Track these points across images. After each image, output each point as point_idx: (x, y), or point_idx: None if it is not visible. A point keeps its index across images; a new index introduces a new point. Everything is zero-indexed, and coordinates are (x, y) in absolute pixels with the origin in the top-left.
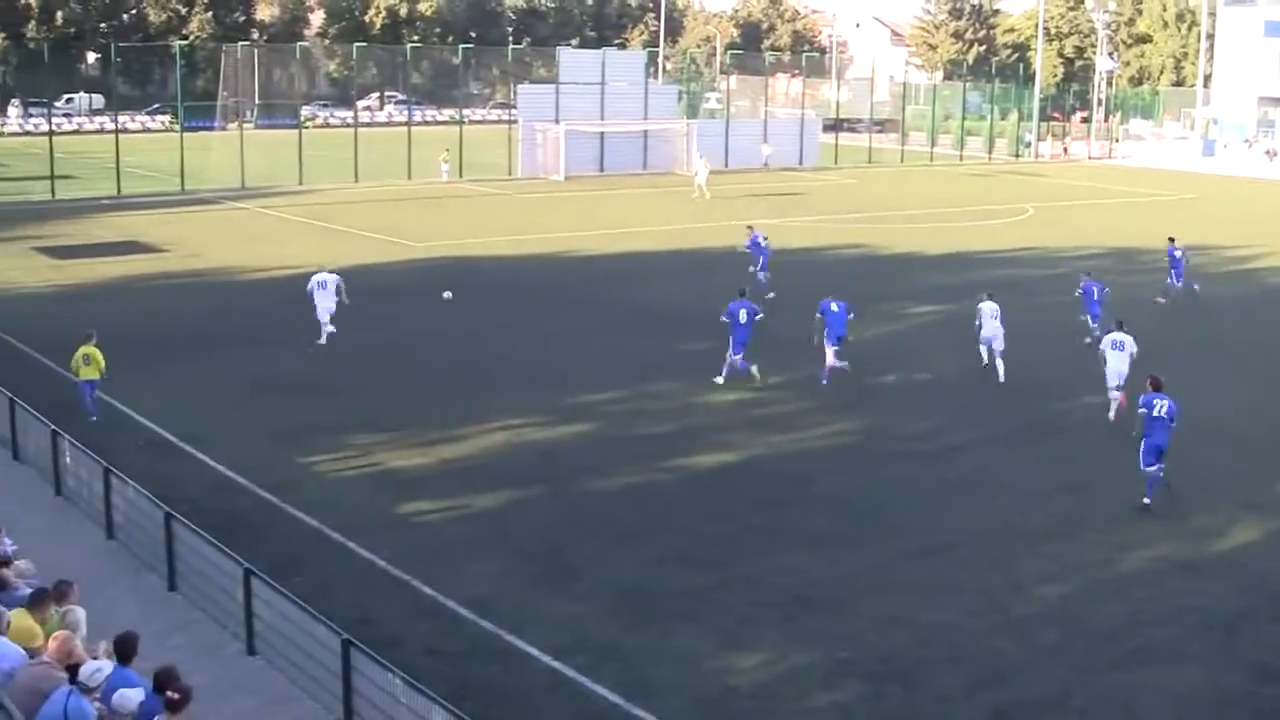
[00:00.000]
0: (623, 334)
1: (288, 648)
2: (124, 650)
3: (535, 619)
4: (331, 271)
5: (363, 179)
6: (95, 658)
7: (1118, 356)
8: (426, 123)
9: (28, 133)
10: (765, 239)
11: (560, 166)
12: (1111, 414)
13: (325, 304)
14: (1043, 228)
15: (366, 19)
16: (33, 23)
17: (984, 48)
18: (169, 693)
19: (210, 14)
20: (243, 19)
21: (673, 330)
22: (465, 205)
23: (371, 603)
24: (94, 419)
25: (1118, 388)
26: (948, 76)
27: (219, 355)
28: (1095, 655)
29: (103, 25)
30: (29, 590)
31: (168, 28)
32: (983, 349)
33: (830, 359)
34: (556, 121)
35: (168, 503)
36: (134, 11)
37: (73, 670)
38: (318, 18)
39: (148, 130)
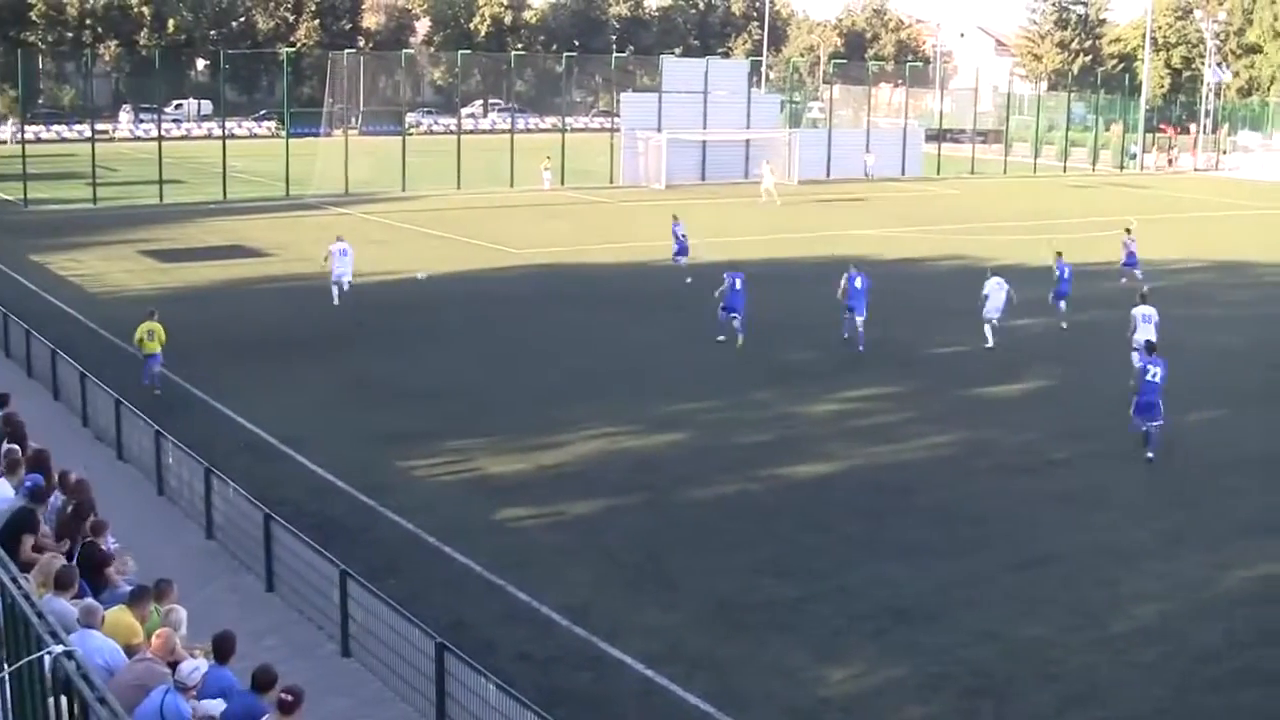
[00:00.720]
0: (717, 344)
1: (382, 650)
2: (222, 650)
3: (628, 627)
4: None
5: (465, 186)
6: (194, 656)
7: (1146, 328)
8: (529, 130)
9: (138, 138)
10: (683, 231)
11: (661, 175)
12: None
13: (341, 269)
14: (1148, 240)
15: (471, 26)
16: (145, 30)
17: (1089, 58)
18: (282, 694)
19: (317, 21)
20: (349, 26)
21: (770, 339)
22: (567, 212)
23: (465, 607)
24: (157, 391)
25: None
26: (1052, 87)
27: (319, 359)
28: (1194, 675)
29: (212, 32)
30: (129, 588)
31: (275, 35)
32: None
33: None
34: (659, 130)
35: (267, 504)
36: (243, 19)
37: (171, 668)
38: (423, 26)
39: (254, 136)
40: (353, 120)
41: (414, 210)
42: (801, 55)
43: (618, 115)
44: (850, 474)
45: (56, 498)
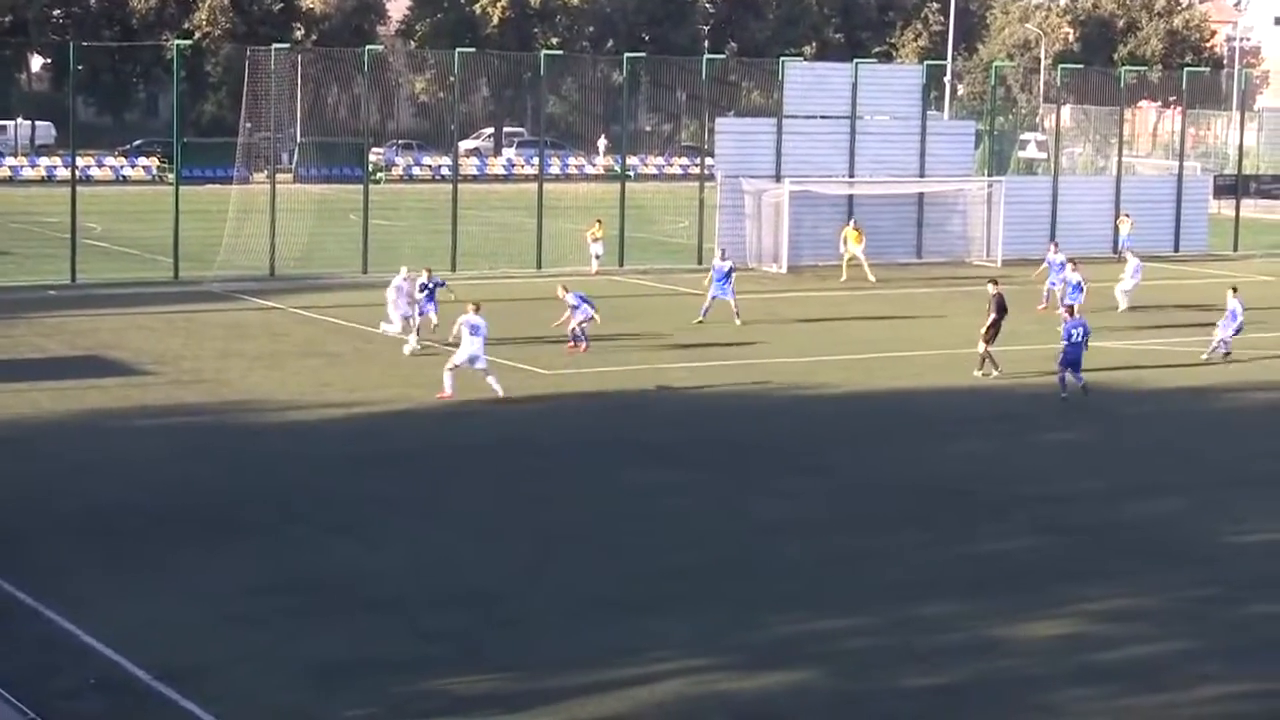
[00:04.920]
0: (871, 521)
1: None
2: None
3: None
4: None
5: (465, 265)
6: None
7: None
8: (567, 177)
9: None
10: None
11: (781, 251)
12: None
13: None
14: None
15: (476, 10)
16: None
17: None
18: None
19: None
20: (279, 6)
21: (957, 516)
22: (628, 309)
23: None
24: None
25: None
26: None
27: (227, 543)
28: None
29: (56, 13)
30: None
31: (159, 19)
32: None
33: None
34: (777, 178)
35: None
36: None
37: None
38: (397, 8)
39: (124, 180)
40: (284, 158)
41: (382, 304)
42: (1009, 57)
43: (710, 154)
44: None
45: None
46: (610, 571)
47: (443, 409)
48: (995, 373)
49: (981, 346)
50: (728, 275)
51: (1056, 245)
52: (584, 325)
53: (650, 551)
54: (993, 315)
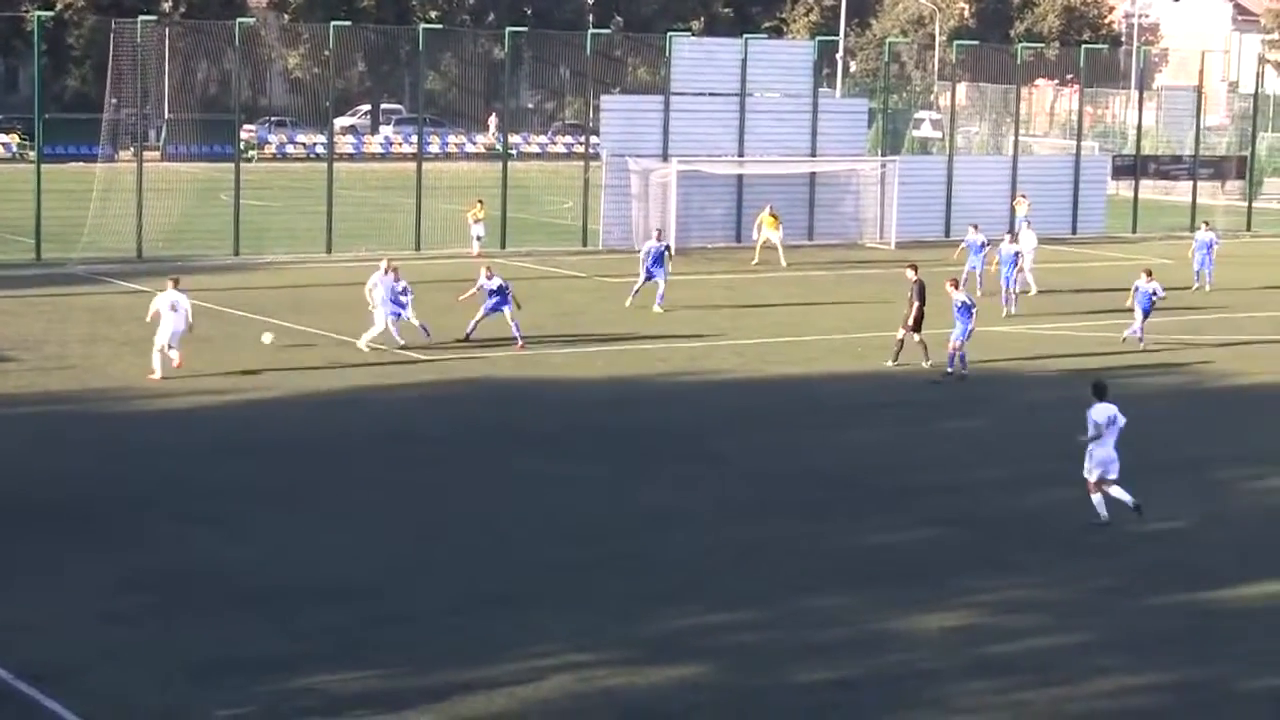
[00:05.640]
0: (756, 513)
1: None
2: None
3: None
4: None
5: (341, 247)
6: None
7: None
8: (447, 156)
9: None
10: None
11: (668, 232)
12: None
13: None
14: None
15: None
16: None
17: None
18: None
19: None
20: None
21: (849, 506)
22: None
23: None
24: None
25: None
26: None
27: (96, 534)
28: None
29: None
30: None
31: None
32: None
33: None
34: (664, 157)
35: None
36: None
37: None
38: None
39: None
40: (152, 135)
41: (257, 288)
42: (903, 33)
43: (595, 133)
44: None
45: None
46: (494, 564)
47: (321, 397)
48: (926, 364)
49: (901, 333)
50: (660, 257)
51: (977, 226)
52: (489, 318)
53: (535, 543)
54: (916, 304)
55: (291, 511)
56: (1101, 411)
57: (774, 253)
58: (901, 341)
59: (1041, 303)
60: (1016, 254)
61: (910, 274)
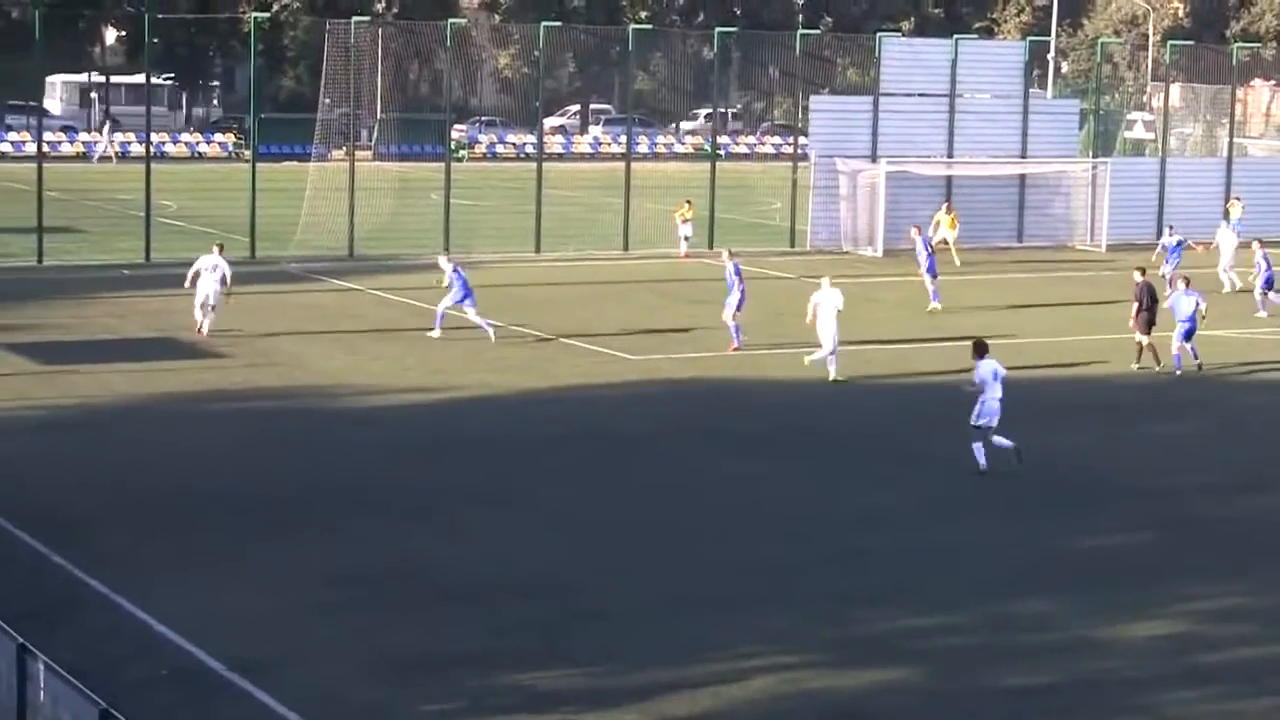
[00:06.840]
0: (970, 514)
1: None
2: None
3: None
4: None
5: (549, 247)
6: None
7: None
8: (655, 157)
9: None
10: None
11: (877, 234)
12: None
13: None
14: None
15: None
16: None
17: None
18: None
19: None
20: None
21: (1050, 510)
22: (717, 294)
23: None
24: None
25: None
26: None
27: (303, 531)
28: None
29: None
30: None
31: None
32: None
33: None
34: (873, 158)
35: None
36: None
37: None
38: None
39: (199, 157)
40: (364, 135)
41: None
42: (1116, 33)
43: (804, 134)
44: None
45: None
46: (696, 564)
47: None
48: (1156, 367)
49: (1139, 337)
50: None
51: (1172, 228)
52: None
53: (738, 544)
54: (1144, 304)
55: (499, 508)
56: (986, 368)
57: (949, 253)
58: (1140, 344)
59: (1250, 304)
60: (1266, 257)
61: (1137, 276)
